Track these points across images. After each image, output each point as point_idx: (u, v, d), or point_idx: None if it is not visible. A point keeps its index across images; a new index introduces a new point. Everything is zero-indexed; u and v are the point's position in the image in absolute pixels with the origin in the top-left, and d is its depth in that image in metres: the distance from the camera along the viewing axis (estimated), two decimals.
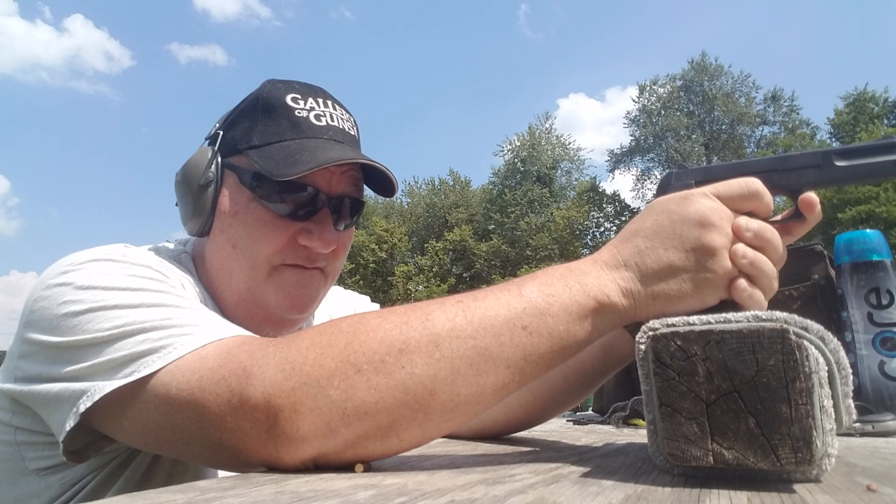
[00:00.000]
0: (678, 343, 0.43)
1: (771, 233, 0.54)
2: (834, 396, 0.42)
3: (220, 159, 0.77)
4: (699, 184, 0.58)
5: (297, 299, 0.78)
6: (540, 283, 0.53)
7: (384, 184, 0.81)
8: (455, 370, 0.49)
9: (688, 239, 0.53)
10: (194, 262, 0.81)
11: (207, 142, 0.81)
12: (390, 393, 0.48)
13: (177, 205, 0.82)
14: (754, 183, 0.55)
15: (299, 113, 0.77)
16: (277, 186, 0.74)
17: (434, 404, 0.49)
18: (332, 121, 0.79)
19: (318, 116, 0.78)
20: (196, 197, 0.77)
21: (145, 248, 0.75)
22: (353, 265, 27.99)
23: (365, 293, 1.10)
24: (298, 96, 0.78)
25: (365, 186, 0.84)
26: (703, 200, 0.54)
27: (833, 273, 1.11)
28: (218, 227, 0.77)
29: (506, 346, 0.50)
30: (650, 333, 0.45)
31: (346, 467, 0.49)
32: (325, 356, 0.49)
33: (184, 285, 0.72)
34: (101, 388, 0.53)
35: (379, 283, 28.50)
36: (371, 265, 28.50)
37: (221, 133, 0.78)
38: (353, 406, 0.47)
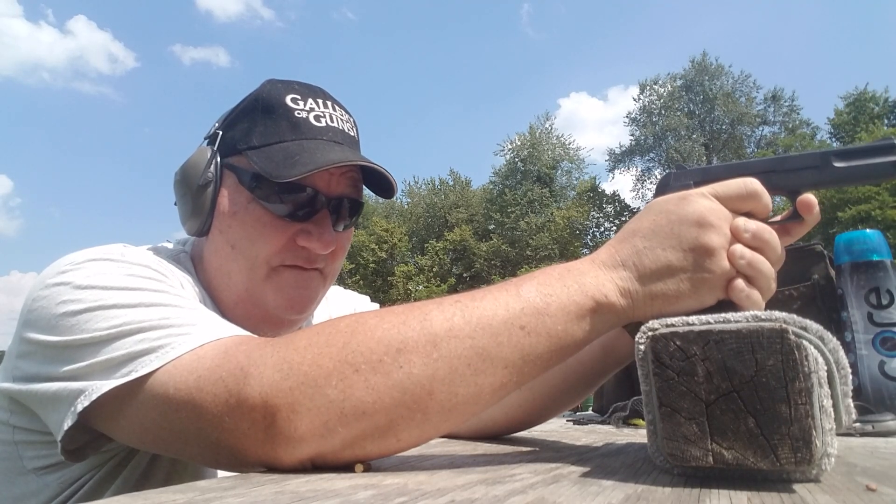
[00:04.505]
0: (677, 343, 0.43)
1: (769, 233, 0.54)
2: (833, 396, 0.42)
3: (219, 159, 0.77)
4: (698, 184, 0.58)
5: (296, 300, 0.78)
6: (538, 282, 0.53)
7: (383, 185, 0.81)
8: (453, 370, 0.49)
9: (686, 239, 0.53)
10: (193, 262, 0.81)
11: (207, 141, 0.81)
12: (388, 393, 0.48)
13: (176, 204, 0.82)
14: (753, 183, 0.55)
15: (299, 114, 0.76)
16: (277, 187, 0.74)
17: (432, 404, 0.48)
18: (332, 122, 0.79)
19: (317, 117, 0.78)
20: (195, 197, 0.77)
21: (144, 248, 0.75)
22: (353, 265, 28.01)
23: (365, 293, 1.10)
24: (298, 97, 0.78)
25: (364, 187, 0.84)
26: (702, 201, 0.54)
27: (833, 273, 1.11)
28: (217, 227, 0.77)
29: (504, 345, 0.50)
30: (649, 334, 0.45)
31: (345, 467, 0.49)
32: (323, 356, 0.49)
33: (182, 285, 0.72)
34: (99, 387, 0.53)
35: (379, 283, 28.50)
36: (371, 265, 28.51)
37: (221, 133, 0.78)
38: (351, 406, 0.47)
